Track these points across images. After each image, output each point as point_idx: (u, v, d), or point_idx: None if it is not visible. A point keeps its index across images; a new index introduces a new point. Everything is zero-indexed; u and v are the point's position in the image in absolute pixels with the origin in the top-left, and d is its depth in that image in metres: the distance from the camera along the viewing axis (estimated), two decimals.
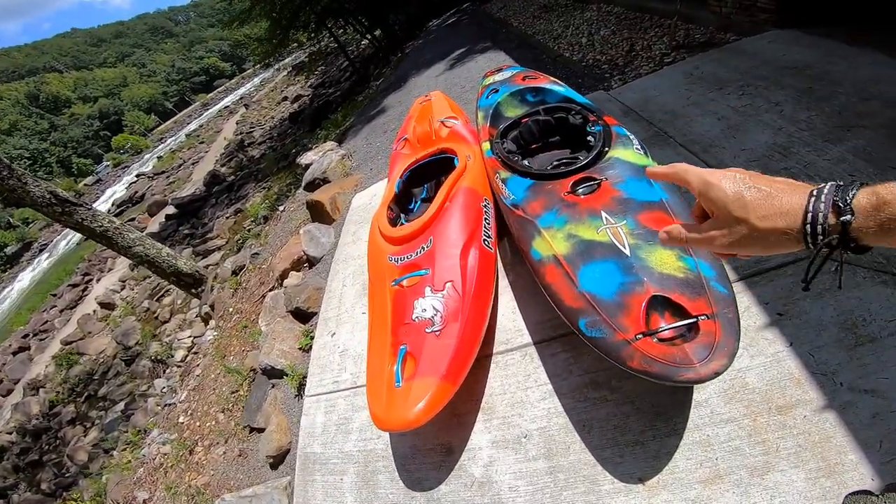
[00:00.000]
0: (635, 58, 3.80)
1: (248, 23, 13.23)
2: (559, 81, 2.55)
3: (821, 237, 0.46)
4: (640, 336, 1.11)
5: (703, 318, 1.08)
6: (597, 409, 1.46)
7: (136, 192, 23.22)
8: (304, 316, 3.05)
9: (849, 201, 0.44)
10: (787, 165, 1.96)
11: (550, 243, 1.49)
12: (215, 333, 4.49)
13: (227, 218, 9.99)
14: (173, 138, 42.10)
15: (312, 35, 14.76)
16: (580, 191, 1.59)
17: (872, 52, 2.46)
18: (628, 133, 1.85)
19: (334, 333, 2.44)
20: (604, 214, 1.44)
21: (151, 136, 55.72)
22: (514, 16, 7.62)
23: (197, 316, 6.34)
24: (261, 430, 2.56)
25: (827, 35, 2.79)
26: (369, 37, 15.29)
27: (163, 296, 8.84)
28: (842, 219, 0.44)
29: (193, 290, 6.19)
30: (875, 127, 1.93)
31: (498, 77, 2.83)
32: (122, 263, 12.55)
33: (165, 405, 4.45)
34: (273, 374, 2.77)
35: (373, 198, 3.40)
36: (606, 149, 1.75)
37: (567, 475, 1.37)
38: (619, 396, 1.45)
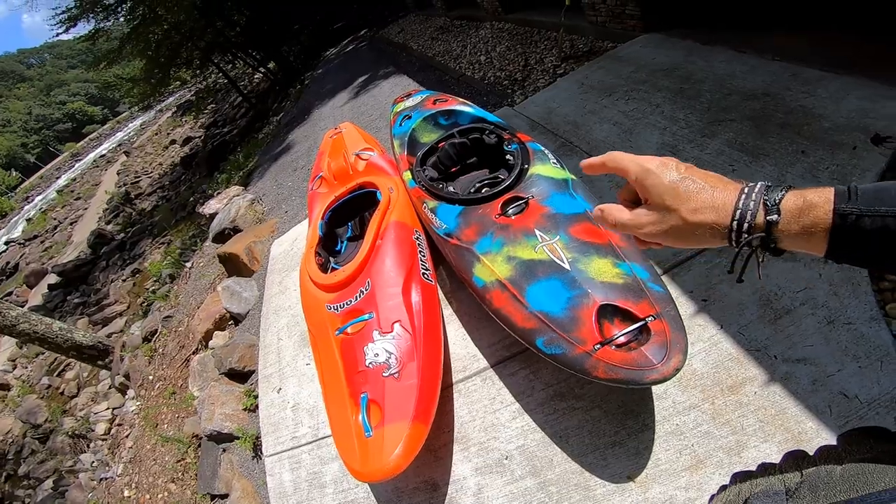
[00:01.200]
0: (531, 71, 4.06)
1: (118, 62, 12.06)
2: (468, 102, 2.62)
3: (745, 234, 0.47)
4: (599, 346, 1.15)
5: (650, 318, 1.15)
6: (568, 419, 1.49)
7: (9, 263, 19.92)
8: (240, 376, 2.85)
9: (777, 201, 0.45)
10: None
11: (492, 268, 1.51)
12: (138, 403, 4.18)
13: (124, 280, 8.95)
14: (41, 196, 36.66)
15: (198, 72, 13.84)
16: (510, 211, 1.63)
17: (723, 50, 2.85)
18: (543, 148, 1.95)
19: (280, 389, 2.28)
20: (537, 232, 1.49)
21: (15, 196, 48.12)
22: (412, 39, 7.77)
23: (110, 387, 5.85)
24: (223, 497, 2.37)
25: (685, 36, 3.19)
26: (263, 70, 14.71)
27: (64, 370, 7.92)
28: (768, 218, 0.45)
29: (100, 362, 5.62)
30: (741, 119, 2.23)
31: (409, 103, 2.84)
32: (8, 342, 10.86)
33: (101, 479, 4.08)
34: (221, 438, 2.56)
35: (294, 243, 3.23)
36: (526, 166, 1.82)
37: (559, 487, 1.37)
38: (586, 403, 1.49)
